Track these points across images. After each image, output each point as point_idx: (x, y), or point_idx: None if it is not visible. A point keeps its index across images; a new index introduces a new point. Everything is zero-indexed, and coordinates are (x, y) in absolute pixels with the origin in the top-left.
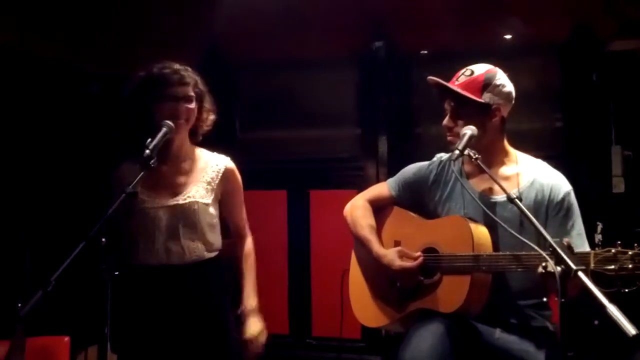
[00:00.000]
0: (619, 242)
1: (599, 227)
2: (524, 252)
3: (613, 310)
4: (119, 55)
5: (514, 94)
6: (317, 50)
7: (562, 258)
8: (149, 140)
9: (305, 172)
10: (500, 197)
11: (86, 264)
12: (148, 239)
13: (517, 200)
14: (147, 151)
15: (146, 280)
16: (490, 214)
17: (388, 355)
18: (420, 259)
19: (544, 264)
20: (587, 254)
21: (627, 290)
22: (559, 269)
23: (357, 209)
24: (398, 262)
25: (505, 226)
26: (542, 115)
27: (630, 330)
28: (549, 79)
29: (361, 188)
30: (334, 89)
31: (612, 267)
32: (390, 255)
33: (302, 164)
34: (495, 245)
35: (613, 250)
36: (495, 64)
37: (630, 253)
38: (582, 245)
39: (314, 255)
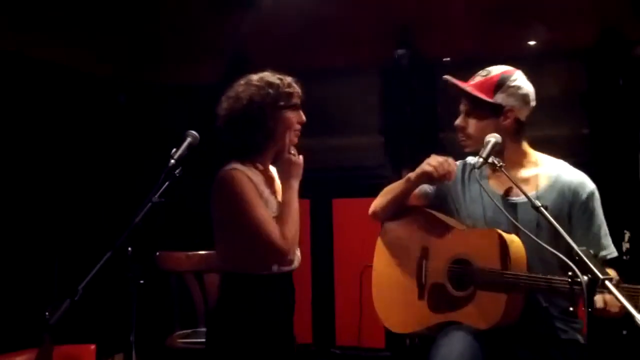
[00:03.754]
0: None
1: (627, 235)
2: (557, 277)
3: None
4: (144, 65)
5: (532, 96)
6: (341, 58)
7: (589, 267)
8: (174, 150)
9: (328, 181)
10: (519, 198)
11: (113, 272)
12: None
13: (542, 209)
14: (173, 161)
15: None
16: (510, 217)
17: None
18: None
19: (570, 273)
20: (637, 288)
21: None
22: (585, 278)
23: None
24: (435, 159)
25: (525, 230)
26: (568, 122)
27: None
28: (575, 84)
29: None
30: (358, 97)
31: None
32: (427, 160)
33: (326, 173)
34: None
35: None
36: (521, 70)
37: None
38: (609, 246)
39: (337, 265)
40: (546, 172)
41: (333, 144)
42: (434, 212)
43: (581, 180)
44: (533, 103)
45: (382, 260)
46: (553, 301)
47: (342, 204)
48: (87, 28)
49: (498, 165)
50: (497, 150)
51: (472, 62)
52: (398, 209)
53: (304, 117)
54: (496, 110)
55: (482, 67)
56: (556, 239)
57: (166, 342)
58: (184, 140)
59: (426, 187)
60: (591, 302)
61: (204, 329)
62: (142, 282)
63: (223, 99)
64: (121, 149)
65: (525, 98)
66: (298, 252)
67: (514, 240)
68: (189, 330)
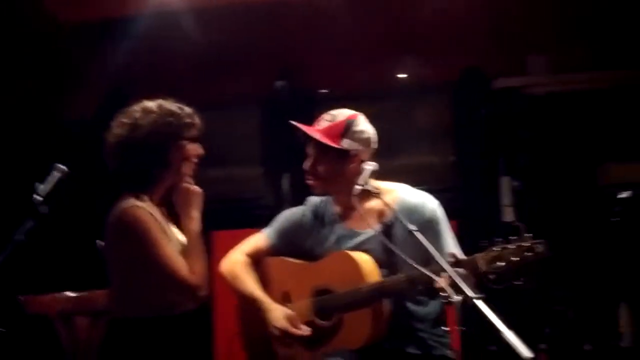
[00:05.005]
0: (499, 240)
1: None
2: (415, 272)
3: (509, 335)
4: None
5: (374, 139)
6: (221, 90)
7: (460, 287)
8: (38, 185)
9: (207, 213)
10: (370, 231)
11: None
12: None
13: (417, 232)
14: (39, 197)
15: None
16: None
17: None
18: (305, 332)
19: (444, 294)
20: (474, 257)
21: (517, 283)
22: (459, 298)
23: (236, 264)
24: (282, 322)
25: (397, 251)
26: (437, 150)
27: (526, 353)
28: (443, 115)
29: (265, 225)
30: (237, 128)
31: (502, 264)
32: (277, 311)
33: (205, 205)
34: (391, 275)
35: (496, 248)
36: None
37: (512, 247)
38: (460, 255)
39: (217, 299)
40: (392, 199)
41: (212, 175)
42: (284, 258)
43: (422, 201)
44: (375, 145)
45: (247, 322)
46: (422, 319)
47: (223, 236)
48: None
49: (374, 191)
50: (340, 187)
51: (349, 95)
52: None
53: (201, 150)
54: (343, 155)
55: (359, 99)
56: (421, 260)
57: None
58: (50, 174)
59: (269, 239)
60: (464, 322)
61: None
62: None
63: (115, 125)
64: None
65: (368, 141)
66: None
67: (362, 255)
68: None
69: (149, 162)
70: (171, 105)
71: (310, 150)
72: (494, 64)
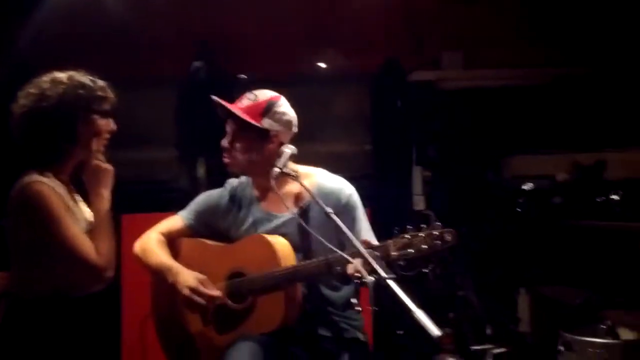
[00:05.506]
0: (410, 227)
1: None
2: (330, 256)
3: (419, 314)
4: None
5: (294, 122)
6: (137, 67)
7: (373, 268)
8: None
9: (117, 196)
10: (287, 214)
11: None
12: None
13: (332, 215)
14: None
15: None
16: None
17: None
18: (216, 293)
19: (357, 275)
20: (386, 244)
21: (425, 270)
22: (372, 279)
23: (150, 240)
24: (192, 282)
25: (314, 234)
26: (354, 139)
27: (435, 331)
28: (361, 105)
29: (178, 210)
30: (152, 109)
31: (412, 250)
32: (188, 274)
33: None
34: (307, 258)
35: (407, 236)
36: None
37: (422, 235)
38: (374, 240)
39: (125, 284)
40: (309, 183)
41: (123, 157)
42: (200, 239)
43: (339, 186)
44: (295, 129)
45: (160, 305)
46: (335, 303)
47: (133, 219)
48: None
49: (292, 174)
50: (259, 168)
51: (269, 80)
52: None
53: (114, 125)
54: (263, 134)
55: (279, 86)
56: (339, 244)
57: None
58: None
59: (186, 220)
60: (377, 302)
61: None
62: None
63: (21, 95)
64: None
65: (289, 124)
66: None
67: (278, 239)
68: None
69: (56, 135)
70: (82, 77)
71: (229, 127)
72: (414, 58)
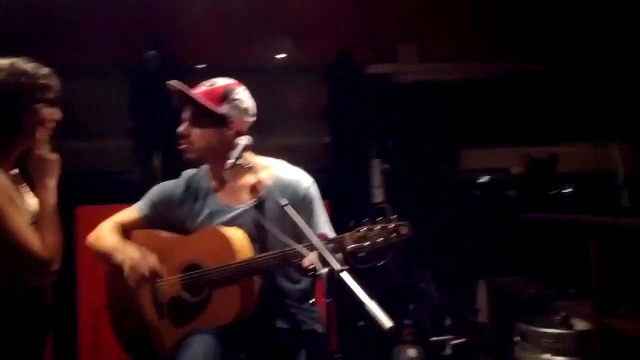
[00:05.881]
0: (366, 220)
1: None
2: (287, 249)
3: (372, 306)
4: None
5: (253, 110)
6: (88, 54)
7: (326, 260)
8: None
9: (72, 187)
10: (244, 206)
11: None
12: None
13: (288, 207)
14: None
15: None
16: (263, 221)
17: None
18: (158, 267)
19: (311, 267)
20: (343, 237)
21: (380, 263)
22: (325, 270)
23: (102, 229)
24: (138, 255)
25: (269, 227)
26: (312, 132)
27: (387, 323)
28: (318, 97)
29: (134, 202)
30: (105, 98)
31: (367, 243)
32: (134, 251)
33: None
34: (263, 250)
35: (363, 229)
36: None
37: (378, 228)
38: (332, 232)
39: (80, 275)
40: (267, 175)
41: (77, 148)
42: (154, 231)
43: (297, 179)
44: (254, 117)
45: (114, 296)
46: (293, 295)
47: (87, 211)
48: None
49: (246, 166)
50: (217, 156)
51: (222, 71)
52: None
53: (59, 114)
54: (220, 121)
55: (234, 76)
56: (296, 236)
57: None
58: None
59: (141, 211)
60: (330, 294)
61: None
62: None
63: None
64: None
65: (247, 111)
66: None
67: (235, 231)
68: None
69: None
70: (25, 64)
71: (186, 114)
72: (369, 50)
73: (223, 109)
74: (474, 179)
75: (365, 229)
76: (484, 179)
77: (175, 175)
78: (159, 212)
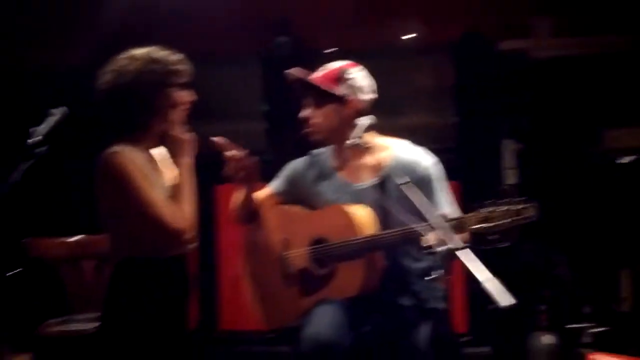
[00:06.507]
0: (491, 201)
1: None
2: (406, 227)
3: (490, 284)
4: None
5: (369, 88)
6: (224, 44)
7: (444, 240)
8: (35, 128)
9: (211, 167)
10: (365, 184)
11: None
12: None
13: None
14: (39, 137)
15: None
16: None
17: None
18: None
19: (428, 245)
20: (464, 217)
21: (505, 245)
22: (444, 248)
23: None
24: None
25: (389, 206)
26: (438, 111)
27: (504, 301)
28: (444, 77)
29: (269, 181)
30: (241, 84)
31: (491, 224)
32: None
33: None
34: (384, 228)
35: (487, 210)
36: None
37: (502, 209)
38: (455, 213)
39: (223, 250)
40: (387, 155)
41: (216, 130)
42: (284, 206)
43: (417, 158)
44: (372, 95)
45: (249, 265)
46: (417, 273)
47: (226, 189)
48: None
49: (364, 146)
50: (339, 135)
51: (350, 53)
52: (246, 213)
53: (191, 97)
54: (338, 101)
55: (361, 59)
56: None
57: (39, 331)
58: (49, 116)
59: (274, 188)
60: (450, 271)
61: (80, 316)
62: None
63: (103, 73)
64: None
65: (364, 89)
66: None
67: (358, 208)
68: (64, 317)
69: (133, 109)
70: (158, 52)
71: (306, 99)
72: (496, 27)
73: (339, 90)
74: (614, 160)
75: (489, 210)
76: (627, 160)
77: (305, 153)
78: (289, 188)
